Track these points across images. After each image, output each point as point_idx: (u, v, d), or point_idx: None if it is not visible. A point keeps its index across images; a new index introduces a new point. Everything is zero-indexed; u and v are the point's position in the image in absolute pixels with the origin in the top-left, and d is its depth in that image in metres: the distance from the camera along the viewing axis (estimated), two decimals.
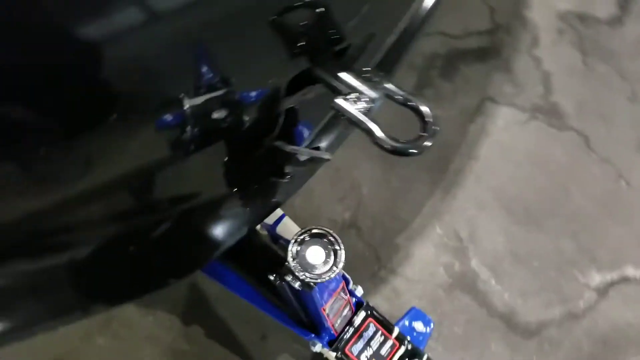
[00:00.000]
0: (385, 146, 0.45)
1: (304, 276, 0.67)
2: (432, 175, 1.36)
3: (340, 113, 0.47)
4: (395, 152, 0.45)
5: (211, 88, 0.43)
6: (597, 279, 1.30)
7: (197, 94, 0.41)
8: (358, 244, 1.28)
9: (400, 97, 0.47)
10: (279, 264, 0.71)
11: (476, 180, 1.36)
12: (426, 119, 0.47)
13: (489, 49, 1.55)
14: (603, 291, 1.29)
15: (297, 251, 0.68)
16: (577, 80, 1.53)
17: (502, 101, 1.48)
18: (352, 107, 0.46)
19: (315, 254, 0.69)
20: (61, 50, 0.35)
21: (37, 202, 0.45)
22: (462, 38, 1.57)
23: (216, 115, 0.46)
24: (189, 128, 0.44)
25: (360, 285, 1.15)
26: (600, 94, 1.51)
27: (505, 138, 1.43)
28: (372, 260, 1.26)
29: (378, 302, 1.23)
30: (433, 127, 0.46)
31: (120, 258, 0.63)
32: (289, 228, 1.08)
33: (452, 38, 1.56)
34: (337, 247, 0.69)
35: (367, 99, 0.46)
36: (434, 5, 0.74)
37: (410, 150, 0.46)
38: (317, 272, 0.68)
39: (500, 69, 1.52)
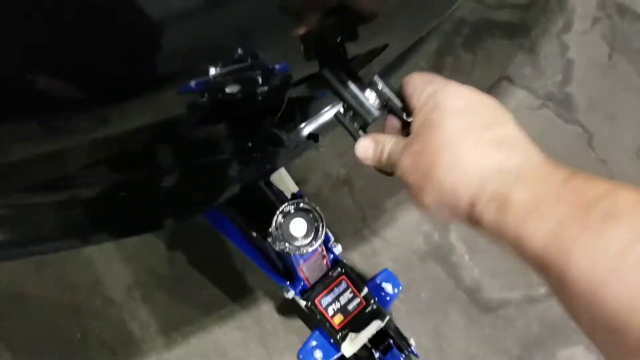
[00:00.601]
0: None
1: (283, 246, 0.71)
2: None
3: (340, 122, 0.49)
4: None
5: (234, 64, 0.45)
6: None
7: (222, 66, 0.44)
8: (347, 200, 1.31)
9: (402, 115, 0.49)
10: (265, 217, 0.74)
11: None
12: None
13: (519, 25, 1.50)
14: None
15: (281, 222, 0.71)
16: (597, 74, 1.50)
17: (518, 83, 1.46)
18: (352, 123, 0.48)
19: (297, 227, 0.72)
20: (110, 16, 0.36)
21: (49, 146, 0.47)
22: (495, 8, 1.51)
23: (229, 89, 0.48)
24: (205, 96, 0.47)
25: (342, 240, 1.20)
26: (616, 93, 1.49)
27: None
28: (357, 219, 1.31)
29: (354, 257, 1.29)
30: None
31: (125, 199, 0.67)
32: (282, 178, 1.11)
33: (484, 6, 1.51)
34: (320, 224, 0.73)
35: (367, 114, 0.48)
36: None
37: None
38: (297, 244, 0.72)
39: (525, 49, 1.49)
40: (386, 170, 0.46)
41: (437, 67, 1.45)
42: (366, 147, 0.47)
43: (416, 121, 0.41)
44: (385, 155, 0.44)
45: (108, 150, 0.55)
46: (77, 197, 0.64)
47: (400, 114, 0.46)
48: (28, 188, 0.57)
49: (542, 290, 1.34)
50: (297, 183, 1.15)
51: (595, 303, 0.26)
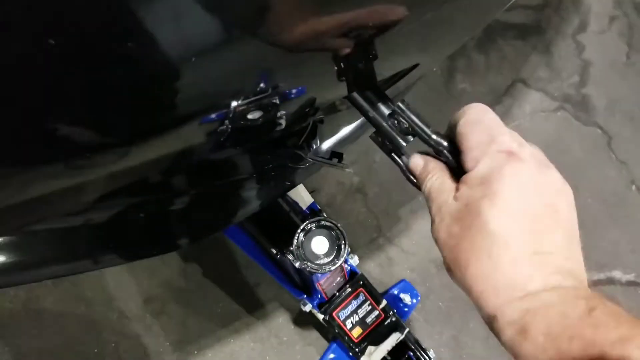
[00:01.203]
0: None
1: (305, 265, 0.69)
2: None
3: (376, 142, 0.48)
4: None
5: (255, 94, 0.44)
6: None
7: (244, 99, 0.43)
8: (362, 209, 1.30)
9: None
10: (282, 230, 0.73)
11: None
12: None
13: (533, 26, 1.48)
14: None
15: (302, 241, 0.70)
16: (615, 75, 1.47)
17: (534, 85, 1.43)
18: (386, 144, 0.47)
19: (319, 245, 0.71)
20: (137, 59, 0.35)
21: (69, 182, 0.46)
22: (507, 10, 1.48)
23: (251, 116, 0.47)
24: (226, 123, 0.46)
25: (357, 250, 1.19)
26: (635, 93, 1.46)
27: (528, 124, 1.40)
28: (372, 228, 1.29)
29: (371, 267, 1.27)
30: None
31: (139, 222, 0.66)
32: (298, 191, 1.09)
33: None
34: (342, 242, 0.71)
35: (398, 140, 0.46)
36: None
37: None
38: (319, 262, 0.70)
39: (539, 51, 1.46)
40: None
41: (450, 70, 1.42)
42: (417, 165, 0.45)
43: (464, 193, 0.39)
44: (426, 188, 0.42)
45: (127, 179, 0.54)
46: (90, 222, 0.63)
47: (393, 140, 0.45)
48: (43, 218, 0.57)
49: None
50: (310, 192, 1.13)
51: None
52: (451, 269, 0.39)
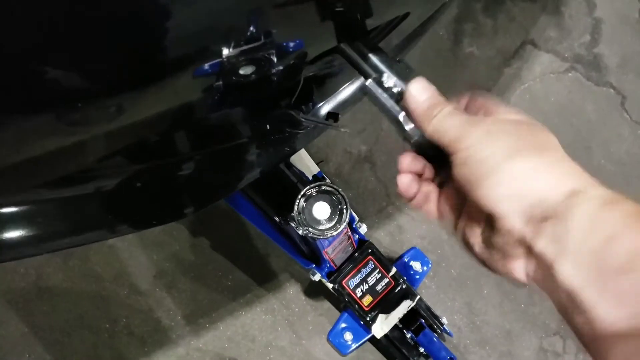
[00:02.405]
0: (412, 140, 0.43)
1: (307, 231, 0.68)
2: None
3: (369, 95, 0.45)
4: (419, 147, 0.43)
5: (247, 41, 0.43)
6: None
7: (235, 46, 0.42)
8: (370, 178, 1.28)
9: None
10: (288, 199, 0.72)
11: None
12: None
13: None
14: None
15: (303, 206, 0.68)
16: (628, 32, 1.42)
17: (543, 46, 1.39)
18: (384, 93, 0.43)
19: (321, 210, 0.70)
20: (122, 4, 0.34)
21: (67, 139, 0.46)
22: None
23: (243, 71, 0.46)
24: (221, 78, 0.46)
25: (367, 219, 1.18)
26: None
27: (538, 87, 1.36)
28: (381, 196, 1.28)
29: (381, 236, 1.26)
30: None
31: (146, 189, 0.65)
32: (302, 158, 1.08)
33: None
34: (344, 206, 0.70)
35: (397, 87, 0.43)
36: None
37: None
38: (321, 227, 0.69)
39: (548, 10, 1.41)
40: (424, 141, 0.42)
41: (457, 34, 1.38)
42: (420, 90, 0.41)
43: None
44: (434, 119, 0.39)
45: (128, 139, 0.53)
46: (100, 190, 0.62)
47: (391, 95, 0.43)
48: (51, 183, 0.56)
49: None
50: (317, 163, 1.12)
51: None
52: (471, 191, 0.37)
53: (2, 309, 1.10)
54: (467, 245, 0.41)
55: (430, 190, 0.43)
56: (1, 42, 0.31)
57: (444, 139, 0.38)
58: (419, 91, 0.40)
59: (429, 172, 0.43)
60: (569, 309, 0.32)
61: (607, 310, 0.29)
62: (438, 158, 0.42)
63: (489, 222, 0.38)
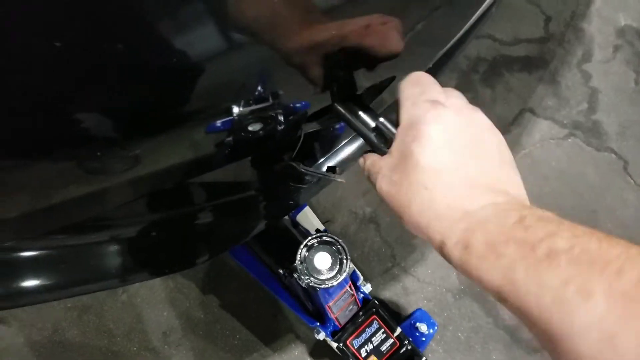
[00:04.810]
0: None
1: (309, 280, 0.72)
2: None
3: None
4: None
5: (257, 101, 0.48)
6: None
7: (245, 106, 0.48)
8: (375, 239, 1.31)
9: None
10: (292, 255, 0.76)
11: None
12: None
13: (537, 58, 1.52)
14: None
15: (305, 256, 0.72)
16: (625, 100, 1.48)
17: (542, 114, 1.46)
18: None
19: (322, 260, 0.73)
20: (142, 56, 0.39)
21: (84, 189, 0.50)
22: (510, 45, 1.53)
23: (251, 127, 0.51)
24: (231, 135, 0.51)
25: (372, 280, 1.20)
26: None
27: (539, 152, 1.42)
28: (386, 257, 1.30)
29: (386, 296, 1.27)
30: None
31: (154, 240, 0.70)
32: (308, 218, 1.13)
33: (500, 44, 1.54)
34: (344, 257, 0.73)
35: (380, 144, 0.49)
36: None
37: None
38: (322, 277, 0.73)
39: (545, 81, 1.49)
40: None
41: None
42: (361, 164, 0.49)
43: (397, 144, 0.43)
44: (365, 171, 0.47)
45: (144, 189, 0.57)
46: (116, 238, 0.67)
47: (377, 148, 0.48)
48: (68, 229, 0.61)
49: None
50: (323, 223, 1.16)
51: (546, 328, 0.31)
52: (401, 215, 0.41)
53: None
54: None
55: None
56: (30, 86, 0.35)
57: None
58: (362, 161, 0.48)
59: None
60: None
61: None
62: None
63: None
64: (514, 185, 0.40)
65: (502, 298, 0.34)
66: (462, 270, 0.37)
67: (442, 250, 0.39)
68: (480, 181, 0.39)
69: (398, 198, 0.41)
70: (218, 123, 0.48)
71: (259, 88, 0.47)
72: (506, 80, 1.49)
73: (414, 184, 0.40)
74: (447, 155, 0.40)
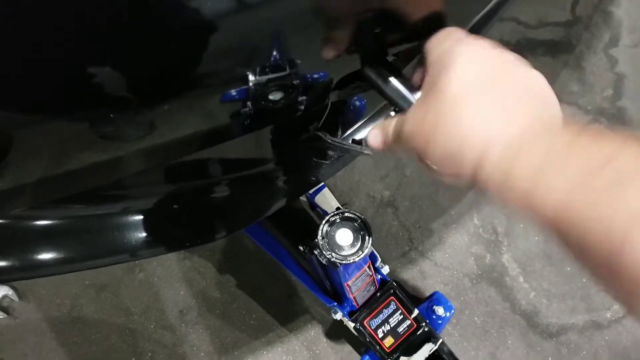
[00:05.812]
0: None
1: (330, 255, 0.71)
2: None
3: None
4: None
5: (274, 70, 0.46)
6: None
7: (261, 74, 0.46)
8: (393, 222, 1.30)
9: None
10: (311, 235, 0.75)
11: None
12: None
13: (563, 42, 1.49)
14: None
15: (327, 231, 0.72)
16: None
17: (565, 99, 1.43)
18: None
19: (344, 236, 0.73)
20: (158, 23, 0.38)
21: (100, 156, 0.50)
22: (536, 28, 1.50)
23: (272, 96, 0.49)
24: (248, 104, 0.49)
25: (389, 263, 1.19)
26: None
27: None
28: (404, 241, 1.29)
29: (403, 280, 1.27)
30: None
31: (170, 213, 0.69)
32: (327, 199, 1.12)
33: (525, 27, 1.50)
34: (366, 233, 0.73)
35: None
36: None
37: None
38: (344, 253, 0.72)
39: (570, 66, 1.46)
40: (395, 150, 0.46)
41: None
42: (375, 135, 0.47)
43: (425, 85, 0.41)
44: (390, 134, 0.45)
45: (160, 158, 0.57)
46: (132, 209, 0.66)
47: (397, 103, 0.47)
48: (82, 198, 0.60)
49: (608, 314, 1.27)
50: (341, 205, 1.15)
51: (615, 266, 0.27)
52: (425, 150, 0.39)
53: (36, 338, 1.14)
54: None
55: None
56: (49, 43, 0.35)
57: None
58: (373, 137, 0.48)
59: None
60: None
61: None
62: None
63: None
64: (552, 110, 0.37)
65: (558, 232, 0.31)
66: (503, 199, 0.34)
67: (476, 179, 0.36)
68: (518, 99, 0.36)
69: (422, 130, 0.39)
70: (233, 92, 0.47)
71: (277, 54, 0.45)
72: (530, 63, 1.46)
73: (440, 111, 0.38)
74: (473, 80, 0.37)
